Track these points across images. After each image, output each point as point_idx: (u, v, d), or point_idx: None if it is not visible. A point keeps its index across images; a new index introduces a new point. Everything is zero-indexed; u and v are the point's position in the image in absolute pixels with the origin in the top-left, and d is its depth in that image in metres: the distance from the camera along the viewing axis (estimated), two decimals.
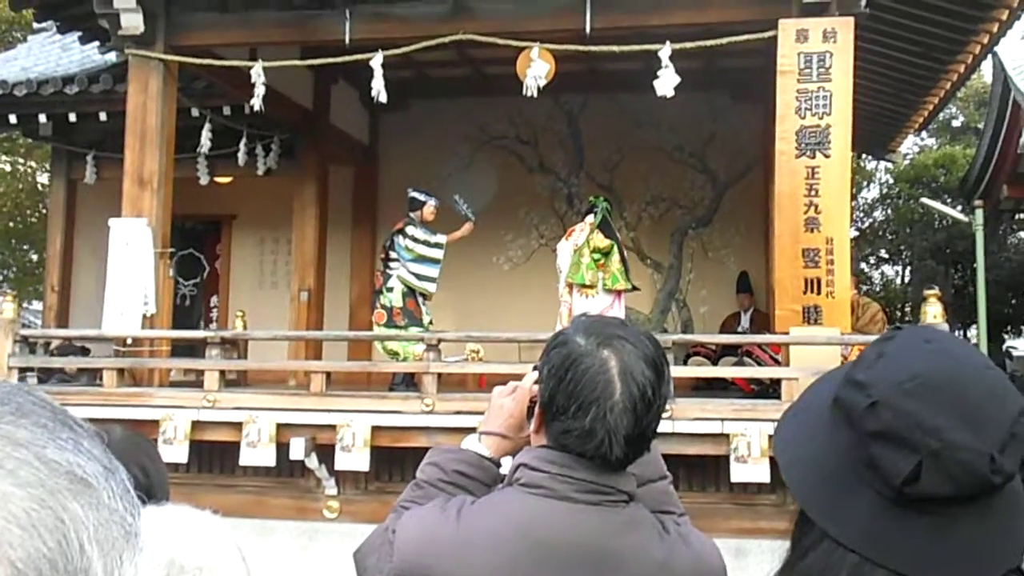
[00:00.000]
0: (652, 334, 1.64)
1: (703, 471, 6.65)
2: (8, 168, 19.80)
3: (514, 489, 1.57)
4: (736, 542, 6.14)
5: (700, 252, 11.26)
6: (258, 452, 6.79)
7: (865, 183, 22.62)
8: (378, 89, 7.48)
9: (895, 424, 0.89)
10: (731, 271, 10.83)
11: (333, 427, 6.74)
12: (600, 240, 7.89)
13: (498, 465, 1.76)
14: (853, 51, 6.77)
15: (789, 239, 6.73)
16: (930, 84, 9.86)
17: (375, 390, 7.72)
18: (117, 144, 8.52)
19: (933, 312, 6.24)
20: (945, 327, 6.28)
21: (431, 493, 1.68)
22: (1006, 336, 19.77)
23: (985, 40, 8.36)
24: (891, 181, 22.31)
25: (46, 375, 8.04)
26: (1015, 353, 19.40)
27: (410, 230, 8.34)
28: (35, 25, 12.17)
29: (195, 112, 9.56)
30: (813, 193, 6.68)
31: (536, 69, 7.31)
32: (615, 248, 7.94)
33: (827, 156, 6.69)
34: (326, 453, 6.83)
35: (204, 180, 10.56)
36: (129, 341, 7.67)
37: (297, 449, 6.71)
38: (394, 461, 6.97)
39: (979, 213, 12.89)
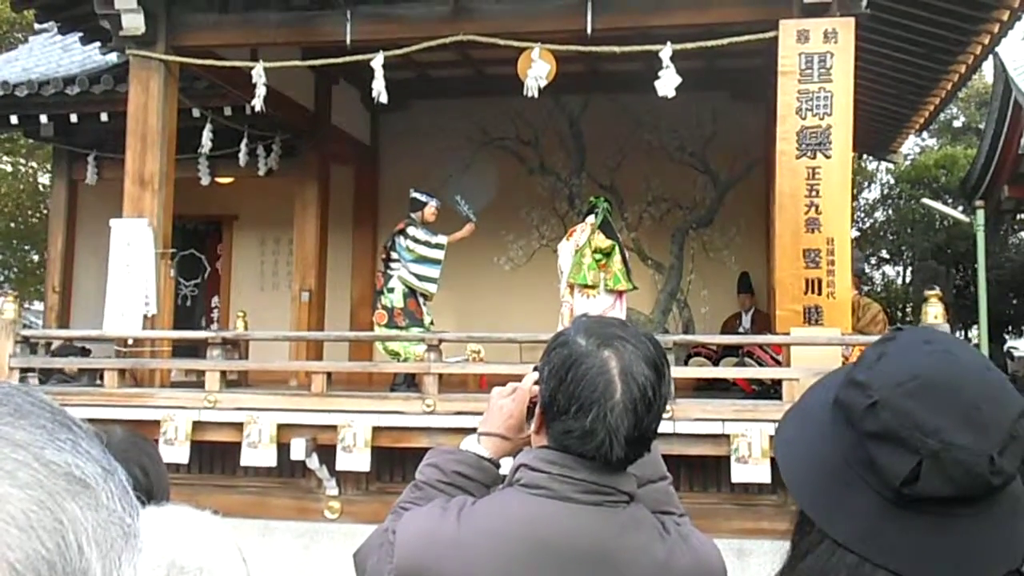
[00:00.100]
0: (653, 335, 1.64)
1: (704, 471, 6.65)
2: (9, 168, 19.80)
3: (515, 489, 1.57)
4: (737, 542, 6.14)
5: (701, 252, 11.26)
6: (259, 452, 6.80)
7: (866, 183, 22.60)
8: (379, 90, 7.49)
9: (894, 425, 0.89)
10: (732, 271, 10.83)
11: (334, 427, 6.74)
12: (601, 241, 7.89)
13: (497, 466, 1.76)
14: (854, 51, 6.77)
15: (790, 239, 6.73)
16: (931, 85, 9.85)
17: (376, 390, 7.72)
18: (118, 145, 8.52)
19: (934, 312, 6.23)
20: (946, 327, 6.27)
21: (430, 494, 1.68)
22: (1007, 336, 19.75)
23: (986, 40, 8.36)
24: (892, 181, 22.30)
25: (47, 375, 8.04)
26: (1016, 354, 19.38)
27: (411, 231, 8.34)
28: (36, 26, 12.18)
29: (196, 112, 9.56)
30: (814, 193, 6.67)
31: (537, 70, 7.31)
32: (616, 248, 7.94)
33: (828, 156, 6.69)
34: (327, 453, 6.83)
35: (205, 180, 10.56)
36: (130, 341, 7.68)
37: (298, 449, 6.71)
38: (395, 462, 6.97)
39: (980, 213, 12.87)
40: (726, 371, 8.11)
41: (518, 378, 1.78)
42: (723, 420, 6.38)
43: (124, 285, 7.61)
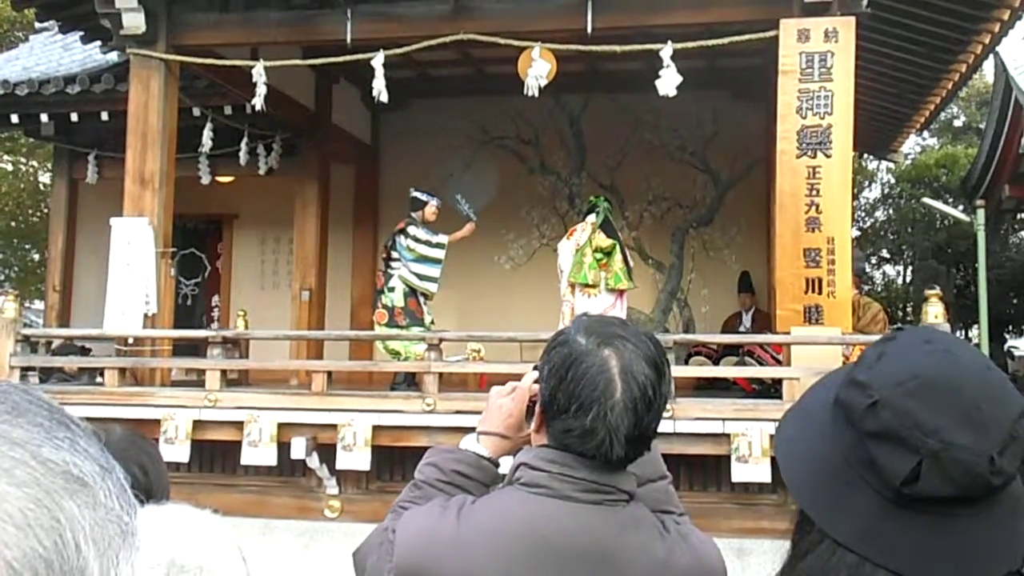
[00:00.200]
0: (653, 334, 1.64)
1: (704, 471, 6.65)
2: (10, 167, 19.81)
3: (515, 488, 1.57)
4: (737, 542, 6.14)
5: (701, 251, 11.26)
6: (259, 451, 6.80)
7: (867, 183, 22.60)
8: (379, 89, 7.48)
9: (895, 424, 0.89)
10: (732, 270, 10.83)
11: (334, 426, 6.74)
12: (602, 240, 7.89)
13: (497, 465, 1.76)
14: (854, 51, 6.77)
15: (790, 239, 6.73)
16: (932, 84, 9.85)
17: (376, 390, 7.72)
18: (119, 144, 8.52)
19: (934, 312, 6.23)
20: (946, 327, 6.27)
21: (430, 493, 1.68)
22: (1008, 336, 19.75)
23: (987, 40, 8.35)
24: (892, 181, 22.30)
25: (47, 374, 8.04)
26: (1017, 353, 19.38)
27: (412, 230, 8.34)
28: (37, 25, 12.18)
29: (196, 112, 9.56)
30: (814, 193, 6.67)
31: (537, 69, 7.31)
32: (617, 248, 7.94)
33: (828, 156, 6.68)
34: (327, 452, 6.83)
35: (206, 179, 10.56)
36: (131, 340, 7.68)
37: (298, 448, 6.71)
38: (395, 461, 6.98)
39: (981, 213, 12.87)
40: (726, 370, 8.11)
41: (518, 377, 1.78)
42: (723, 419, 6.38)
43: (124, 284, 7.61)
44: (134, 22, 7.81)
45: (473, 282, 10.86)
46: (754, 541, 6.24)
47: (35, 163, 19.86)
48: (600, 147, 11.40)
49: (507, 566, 1.50)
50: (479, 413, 1.82)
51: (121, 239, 7.70)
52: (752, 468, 6.20)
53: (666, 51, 7.08)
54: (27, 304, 16.48)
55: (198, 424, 6.93)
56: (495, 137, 11.58)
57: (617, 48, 7.45)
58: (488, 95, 10.95)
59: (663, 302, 11.27)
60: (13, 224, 19.55)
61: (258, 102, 7.76)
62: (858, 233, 20.64)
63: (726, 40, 7.21)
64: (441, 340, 7.16)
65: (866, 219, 22.53)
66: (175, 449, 6.78)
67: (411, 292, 8.28)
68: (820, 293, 6.62)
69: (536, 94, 7.47)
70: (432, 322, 8.39)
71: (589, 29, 7.26)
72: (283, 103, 9.43)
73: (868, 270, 21.04)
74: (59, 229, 11.52)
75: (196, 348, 8.71)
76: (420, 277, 8.29)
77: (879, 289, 21.44)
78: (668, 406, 1.58)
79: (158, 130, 7.90)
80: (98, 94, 9.89)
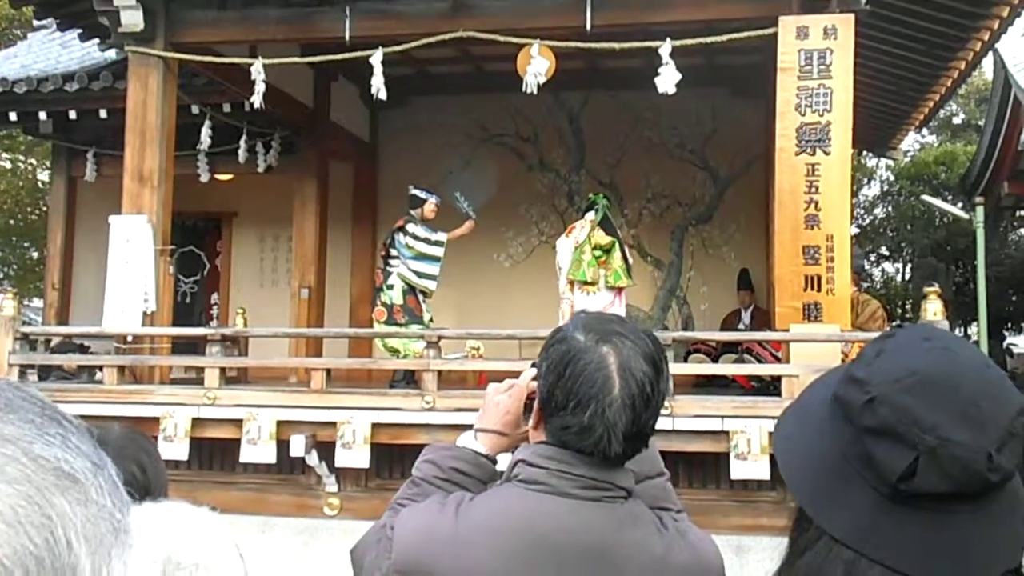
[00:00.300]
0: (651, 331, 1.64)
1: (703, 468, 6.66)
2: (8, 165, 19.80)
3: (513, 485, 1.57)
4: (736, 539, 6.14)
5: (701, 249, 11.26)
6: (258, 449, 6.80)
7: (866, 180, 22.61)
8: (378, 86, 7.48)
9: (892, 420, 0.89)
10: (732, 268, 10.83)
11: (333, 424, 6.74)
12: (601, 237, 7.89)
13: (494, 462, 1.76)
14: (853, 48, 6.77)
15: (789, 236, 6.73)
16: (931, 81, 9.85)
17: (375, 387, 7.72)
18: (117, 141, 8.51)
19: (933, 309, 6.23)
20: (945, 324, 6.27)
21: (427, 491, 1.68)
22: (1007, 333, 19.76)
23: (986, 37, 8.35)
24: (892, 178, 22.31)
25: (47, 372, 8.04)
26: (1016, 350, 19.40)
27: (411, 228, 8.33)
28: (35, 22, 12.17)
29: (195, 109, 9.55)
30: (813, 190, 6.67)
31: (536, 66, 7.31)
32: (616, 245, 7.93)
33: (827, 153, 6.68)
34: (326, 450, 6.83)
35: (204, 177, 10.56)
36: (130, 338, 7.68)
37: (297, 446, 6.71)
38: (394, 458, 6.98)
39: (980, 210, 12.88)
40: (725, 368, 8.11)
41: (518, 375, 1.78)
42: (722, 417, 6.38)
43: (123, 282, 7.60)
44: (132, 19, 7.81)
45: (472, 280, 10.86)
46: (753, 538, 6.24)
47: (34, 161, 19.86)
48: (599, 144, 11.39)
49: (505, 563, 1.50)
50: (478, 410, 1.82)
51: (120, 237, 7.70)
52: (751, 465, 6.21)
53: (665, 48, 7.07)
54: (26, 302, 16.48)
55: (197, 422, 6.93)
56: (494, 134, 11.57)
57: (616, 45, 7.44)
58: (487, 92, 10.95)
59: (662, 300, 11.27)
60: (12, 222, 19.55)
61: (257, 100, 7.76)
62: (857, 230, 20.65)
63: (725, 37, 7.21)
64: (440, 338, 7.16)
65: (865, 216, 22.54)
66: (174, 447, 6.78)
67: (410, 290, 8.28)
68: (819, 290, 6.62)
69: (535, 91, 7.46)
70: (431, 320, 8.39)
71: (588, 26, 7.26)
72: (282, 101, 9.43)
73: (867, 267, 21.04)
74: (58, 227, 11.52)
75: (195, 346, 8.70)
76: (419, 275, 8.29)
77: (878, 286, 21.45)
78: (667, 403, 1.58)
79: (157, 128, 7.89)
80: (96, 92, 9.89)
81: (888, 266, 23.20)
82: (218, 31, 8.19)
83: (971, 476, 0.87)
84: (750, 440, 6.22)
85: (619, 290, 7.92)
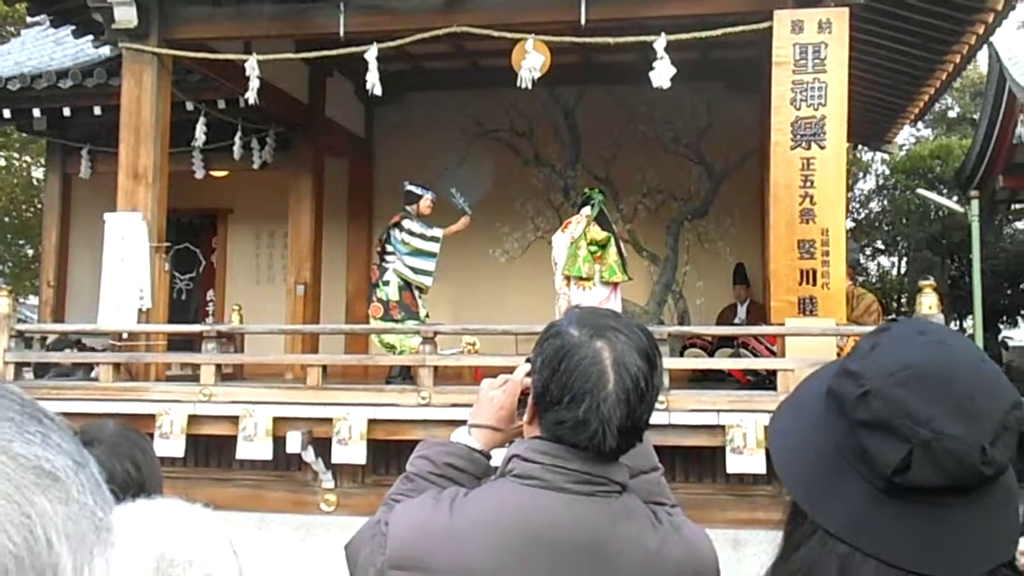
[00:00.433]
0: (644, 325, 1.64)
1: (700, 462, 6.66)
2: (3, 163, 19.77)
3: (507, 480, 1.57)
4: (733, 533, 6.16)
5: (696, 243, 11.27)
6: (255, 446, 6.79)
7: (861, 174, 22.60)
8: (373, 82, 7.47)
9: (886, 414, 0.89)
10: (727, 262, 10.84)
11: (330, 420, 6.74)
12: (597, 232, 7.88)
13: (488, 457, 1.76)
14: (848, 42, 6.77)
15: (785, 230, 6.73)
16: (926, 74, 9.85)
17: (372, 383, 7.72)
18: (112, 138, 8.50)
19: (929, 302, 6.24)
20: (941, 318, 6.28)
21: (422, 486, 1.68)
22: (1002, 326, 19.75)
23: (980, 30, 8.35)
24: (887, 172, 22.29)
25: (43, 370, 8.03)
26: (1011, 343, 19.42)
27: (406, 224, 8.32)
28: (28, 19, 12.15)
29: (190, 106, 9.54)
30: (808, 184, 6.68)
31: (531, 61, 7.30)
32: (612, 240, 7.93)
33: (822, 147, 6.69)
34: (323, 446, 6.83)
35: (199, 174, 10.54)
36: (125, 336, 7.67)
37: (294, 443, 6.71)
38: (391, 454, 6.98)
39: (975, 203, 12.87)
40: (721, 362, 8.12)
41: (514, 370, 1.78)
42: (718, 411, 6.39)
43: (119, 279, 7.59)
44: (126, 16, 7.79)
45: (468, 275, 10.85)
46: (749, 532, 6.25)
47: (28, 158, 19.82)
48: (594, 139, 11.39)
49: (500, 558, 1.50)
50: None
51: (115, 234, 7.68)
52: (747, 459, 6.22)
53: (660, 43, 7.07)
54: (21, 300, 16.44)
55: (193, 419, 6.93)
56: (489, 130, 11.56)
57: (611, 40, 7.44)
58: (482, 88, 10.94)
59: (658, 294, 11.28)
60: (7, 219, 19.52)
61: (251, 96, 7.75)
62: (852, 224, 20.65)
63: (720, 31, 7.21)
64: (436, 333, 7.16)
65: (860, 210, 22.53)
66: (170, 444, 6.78)
67: (406, 286, 8.27)
68: (814, 284, 6.63)
69: (530, 86, 7.46)
70: (427, 315, 8.38)
71: (583, 21, 7.25)
72: (276, 97, 9.42)
73: (862, 261, 21.03)
74: (53, 224, 11.51)
75: (191, 343, 8.69)
76: (415, 271, 8.28)
77: (873, 280, 21.46)
78: (663, 398, 1.58)
79: (151, 124, 7.88)
80: (91, 89, 9.87)
81: (883, 260, 23.20)
82: (212, 27, 8.18)
83: (965, 469, 0.87)
84: (746, 434, 6.23)
85: (614, 285, 7.92)
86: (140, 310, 7.62)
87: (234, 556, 1.27)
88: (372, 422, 6.73)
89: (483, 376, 2.09)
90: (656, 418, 1.58)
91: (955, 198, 17.11)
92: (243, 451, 6.82)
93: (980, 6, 7.94)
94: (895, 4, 7.93)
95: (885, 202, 22.31)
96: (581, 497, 1.52)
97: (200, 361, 7.36)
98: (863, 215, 22.50)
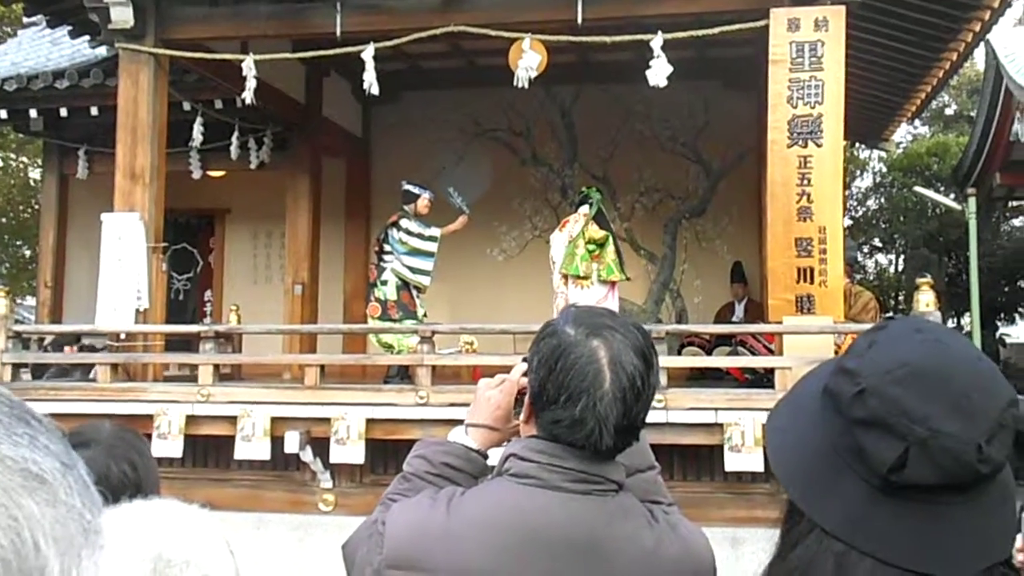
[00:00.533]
0: (641, 324, 1.64)
1: (698, 460, 6.66)
2: (0, 164, 19.74)
3: (504, 479, 1.57)
4: (731, 531, 6.16)
5: (694, 242, 11.27)
6: (253, 446, 6.79)
7: (858, 172, 22.62)
8: (370, 81, 7.47)
9: (882, 412, 0.89)
10: (725, 261, 10.84)
11: (328, 420, 6.74)
12: (595, 231, 7.88)
13: (485, 457, 1.76)
14: (845, 40, 6.77)
15: (782, 228, 6.74)
16: (922, 72, 9.85)
17: (370, 383, 7.71)
18: (109, 139, 8.48)
19: (926, 300, 6.25)
20: (938, 315, 6.28)
21: (419, 485, 1.68)
22: (999, 324, 19.78)
23: (977, 28, 8.35)
24: (884, 170, 22.30)
25: (41, 370, 8.02)
26: (1008, 340, 19.45)
27: (404, 223, 8.32)
28: (25, 19, 12.13)
29: (187, 106, 9.53)
30: (806, 182, 6.68)
31: (528, 60, 7.30)
32: (610, 239, 7.93)
33: (819, 145, 6.69)
34: (321, 446, 6.82)
35: (197, 174, 10.54)
36: (123, 336, 7.66)
37: (292, 443, 6.70)
38: (389, 454, 6.97)
39: (972, 201, 12.90)
40: (719, 360, 8.12)
41: (511, 369, 1.78)
42: (716, 409, 6.39)
43: (116, 279, 7.58)
44: (122, 16, 7.77)
45: (466, 275, 10.85)
46: (747, 530, 6.25)
47: (25, 159, 19.80)
48: (592, 138, 11.39)
49: (497, 557, 1.50)
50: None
51: (112, 234, 7.68)
52: (745, 457, 6.22)
53: (656, 41, 7.07)
54: (18, 300, 16.45)
55: (191, 419, 6.92)
56: (487, 129, 11.56)
57: (607, 39, 7.43)
58: (479, 87, 10.93)
59: (656, 293, 11.28)
60: (4, 220, 19.50)
61: (248, 96, 7.74)
62: (850, 222, 20.67)
63: (717, 30, 7.21)
64: (434, 333, 7.16)
65: (858, 208, 22.55)
66: (168, 444, 6.77)
67: (404, 285, 8.26)
68: (812, 282, 6.63)
69: (527, 85, 7.46)
70: (425, 315, 8.38)
71: (579, 20, 7.25)
72: (273, 97, 9.41)
73: (860, 259, 21.05)
74: (50, 225, 11.50)
75: (189, 343, 8.69)
76: (413, 270, 8.27)
77: (871, 278, 21.48)
78: (661, 396, 1.58)
79: (148, 125, 7.87)
80: (87, 89, 9.86)
81: (881, 257, 23.22)
82: (209, 27, 8.17)
83: (962, 467, 0.87)
84: (744, 432, 6.23)
85: (612, 284, 7.92)
86: (137, 310, 7.61)
87: (231, 556, 1.27)
88: (370, 422, 6.72)
89: (481, 375, 2.09)
90: (654, 416, 1.58)
91: (952, 195, 17.14)
92: (241, 451, 6.81)
93: (976, 4, 7.95)
94: (892, 2, 7.94)
95: (882, 200, 22.32)
96: (578, 496, 1.52)
97: (198, 361, 7.35)
98: (860, 213, 22.52)
